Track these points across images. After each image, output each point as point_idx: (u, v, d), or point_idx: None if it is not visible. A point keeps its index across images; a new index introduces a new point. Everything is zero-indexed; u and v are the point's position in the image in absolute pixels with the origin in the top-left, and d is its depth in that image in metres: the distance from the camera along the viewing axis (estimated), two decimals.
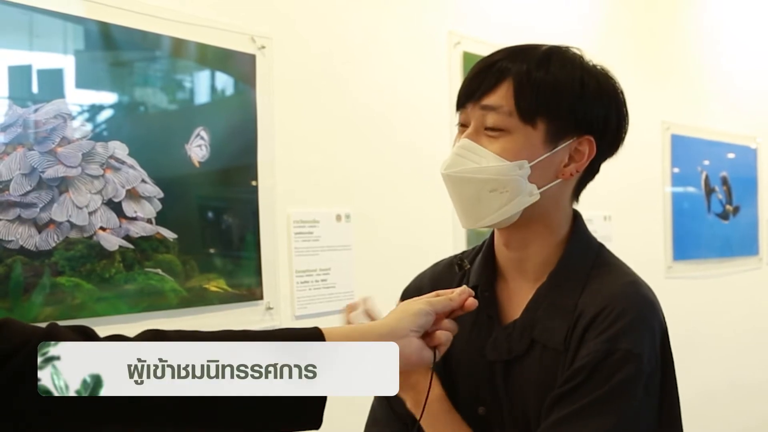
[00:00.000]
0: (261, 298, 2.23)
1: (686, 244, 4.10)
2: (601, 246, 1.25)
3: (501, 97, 1.14)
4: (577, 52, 1.20)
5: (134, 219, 1.93)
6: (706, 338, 3.94)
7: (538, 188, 1.15)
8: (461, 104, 1.19)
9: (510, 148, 1.13)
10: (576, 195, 1.24)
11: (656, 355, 1.10)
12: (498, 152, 1.13)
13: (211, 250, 2.14)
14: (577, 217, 1.25)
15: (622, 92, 1.21)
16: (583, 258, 1.20)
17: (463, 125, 1.19)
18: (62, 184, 1.80)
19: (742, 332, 4.45)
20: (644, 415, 1.07)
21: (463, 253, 1.35)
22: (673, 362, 1.14)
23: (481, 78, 1.16)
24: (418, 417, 1.17)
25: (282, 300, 2.28)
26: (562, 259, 1.19)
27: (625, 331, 1.08)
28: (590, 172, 1.22)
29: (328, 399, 0.95)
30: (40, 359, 0.84)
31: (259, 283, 2.22)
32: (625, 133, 1.22)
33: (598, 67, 1.20)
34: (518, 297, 1.21)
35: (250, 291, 2.20)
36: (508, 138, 1.14)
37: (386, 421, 1.29)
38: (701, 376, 3.82)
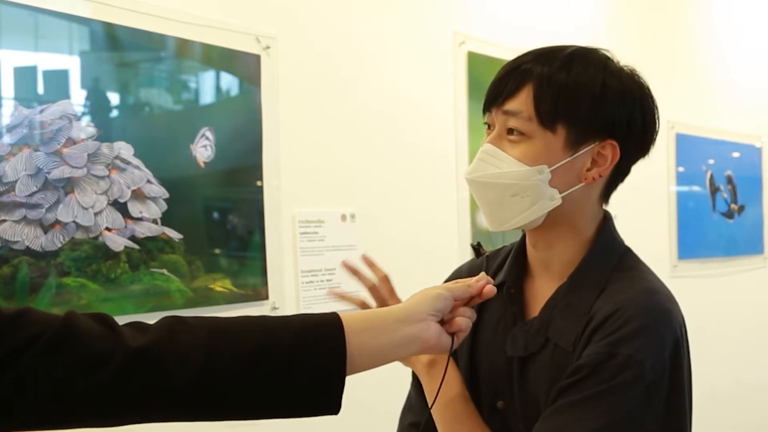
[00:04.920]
0: (266, 298, 2.23)
1: (691, 243, 4.10)
2: (627, 250, 1.24)
3: (522, 101, 1.13)
4: (605, 53, 1.19)
5: (140, 219, 1.93)
6: (711, 337, 3.93)
7: (560, 192, 1.15)
8: (486, 108, 1.19)
9: (530, 153, 1.13)
10: (606, 197, 1.23)
11: (663, 364, 1.07)
12: (518, 157, 1.14)
13: (217, 251, 2.14)
14: (606, 218, 1.24)
15: (649, 93, 1.19)
16: (605, 261, 1.19)
17: (490, 126, 1.20)
18: (68, 185, 1.81)
19: (747, 331, 4.44)
20: (642, 421, 1.06)
21: (500, 248, 1.37)
22: (683, 373, 1.10)
23: (505, 82, 1.16)
24: (430, 404, 1.20)
25: (287, 300, 2.28)
26: (584, 261, 1.19)
27: (629, 337, 1.06)
28: (619, 173, 1.21)
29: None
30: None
31: (265, 283, 2.23)
32: (654, 134, 1.20)
33: (625, 69, 1.18)
34: (542, 295, 1.22)
35: (256, 291, 2.20)
36: (528, 143, 1.14)
37: (420, 408, 1.32)
38: (706, 375, 3.79)
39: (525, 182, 1.13)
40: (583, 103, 1.13)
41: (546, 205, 1.15)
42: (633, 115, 1.16)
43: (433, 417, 1.24)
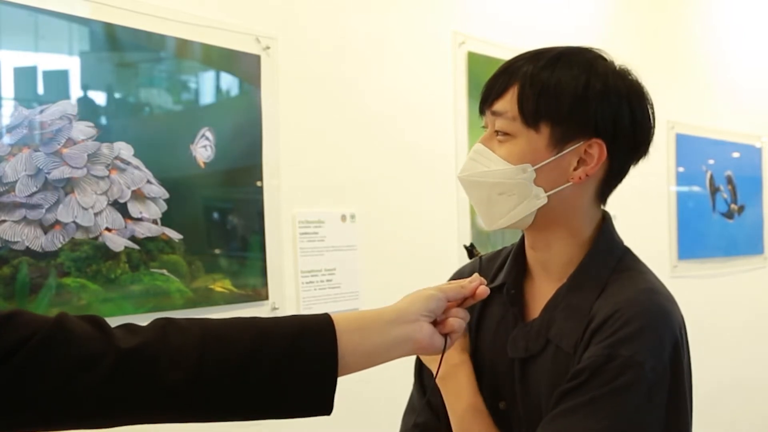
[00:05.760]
0: (266, 298, 2.23)
1: (691, 243, 4.10)
2: (626, 250, 1.24)
3: (507, 102, 1.15)
4: (598, 53, 1.18)
5: (140, 220, 1.93)
6: (710, 337, 3.93)
7: (546, 191, 1.15)
8: (480, 109, 1.20)
9: (515, 152, 1.14)
10: (602, 197, 1.23)
11: (663, 365, 1.07)
12: (504, 156, 1.15)
13: (217, 251, 2.14)
14: (605, 219, 1.24)
15: (640, 92, 1.18)
16: (605, 261, 1.19)
17: (486, 128, 1.21)
18: (68, 185, 1.81)
19: (747, 331, 4.44)
20: (644, 423, 1.06)
21: (501, 249, 1.37)
22: (683, 374, 1.11)
23: (494, 82, 1.17)
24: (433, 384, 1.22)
25: (287, 300, 2.28)
26: (584, 262, 1.19)
27: (629, 338, 1.07)
28: (613, 174, 1.20)
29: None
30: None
31: (265, 284, 2.23)
32: (646, 133, 1.19)
33: (618, 68, 1.17)
34: (542, 296, 1.22)
35: (256, 291, 2.20)
36: (513, 142, 1.15)
37: (421, 409, 1.32)
38: (706, 375, 3.80)
39: (510, 181, 1.14)
40: (565, 102, 1.13)
41: (532, 203, 1.15)
42: (619, 114, 1.15)
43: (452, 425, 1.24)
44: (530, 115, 1.13)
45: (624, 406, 1.04)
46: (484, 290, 1.11)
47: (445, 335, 1.07)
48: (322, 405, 0.94)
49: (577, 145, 1.14)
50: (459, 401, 1.23)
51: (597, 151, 1.14)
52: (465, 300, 1.11)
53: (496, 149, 1.16)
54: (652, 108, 1.19)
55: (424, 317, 1.04)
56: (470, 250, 1.29)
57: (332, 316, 0.98)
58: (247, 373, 0.91)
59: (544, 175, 1.15)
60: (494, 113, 1.16)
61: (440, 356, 1.11)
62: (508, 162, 1.14)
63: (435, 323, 1.06)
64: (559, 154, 1.14)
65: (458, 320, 1.08)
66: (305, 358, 0.93)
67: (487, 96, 1.18)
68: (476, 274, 1.14)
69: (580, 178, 1.16)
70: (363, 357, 0.99)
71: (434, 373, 1.18)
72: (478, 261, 1.33)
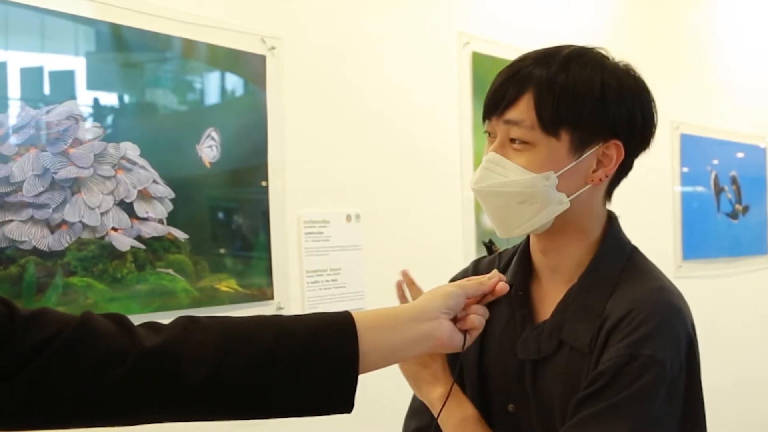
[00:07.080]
0: (272, 298, 2.23)
1: (695, 244, 4.09)
2: (634, 249, 1.24)
3: (522, 110, 1.12)
4: (601, 52, 1.18)
5: (146, 219, 1.94)
6: (714, 337, 3.92)
7: (568, 196, 1.15)
8: (486, 116, 1.18)
9: (535, 160, 1.13)
10: (609, 195, 1.24)
11: (680, 362, 1.08)
12: (524, 165, 1.13)
13: (222, 251, 2.15)
14: (611, 218, 1.24)
15: (646, 88, 1.19)
16: (614, 261, 1.19)
17: (491, 134, 1.19)
18: (74, 185, 1.82)
19: (751, 331, 4.43)
20: (665, 421, 1.07)
21: (503, 251, 1.36)
22: (698, 370, 1.12)
23: (505, 89, 1.15)
24: (436, 413, 1.21)
25: (292, 300, 2.29)
26: (593, 262, 1.19)
27: (648, 337, 1.07)
28: (623, 170, 1.21)
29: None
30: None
31: (270, 283, 2.23)
32: (654, 128, 1.19)
33: (621, 65, 1.18)
34: (551, 297, 1.21)
35: (261, 291, 2.21)
36: (533, 151, 1.13)
37: (422, 412, 1.31)
38: (710, 374, 3.78)
39: (532, 189, 1.13)
40: (585, 105, 1.12)
41: (555, 209, 1.15)
42: (633, 113, 1.16)
43: None
44: (549, 122, 1.11)
45: (648, 407, 1.05)
46: (503, 287, 1.11)
47: (465, 332, 1.07)
48: (344, 403, 0.94)
49: (596, 148, 1.14)
50: (460, 410, 1.24)
51: (615, 151, 1.15)
52: (484, 296, 1.11)
53: (512, 158, 1.14)
54: (655, 102, 1.20)
55: (443, 314, 1.04)
56: (489, 247, 1.28)
57: (353, 313, 0.98)
58: (268, 371, 0.91)
59: (565, 180, 1.14)
60: (508, 122, 1.14)
61: (458, 360, 1.12)
62: (530, 171, 1.13)
63: (454, 320, 1.06)
64: (580, 159, 1.14)
65: (478, 317, 1.08)
66: (327, 356, 0.93)
67: (497, 103, 1.15)
68: (495, 270, 1.14)
69: (600, 179, 1.16)
70: (384, 354, 0.99)
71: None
72: (497, 257, 1.33)
